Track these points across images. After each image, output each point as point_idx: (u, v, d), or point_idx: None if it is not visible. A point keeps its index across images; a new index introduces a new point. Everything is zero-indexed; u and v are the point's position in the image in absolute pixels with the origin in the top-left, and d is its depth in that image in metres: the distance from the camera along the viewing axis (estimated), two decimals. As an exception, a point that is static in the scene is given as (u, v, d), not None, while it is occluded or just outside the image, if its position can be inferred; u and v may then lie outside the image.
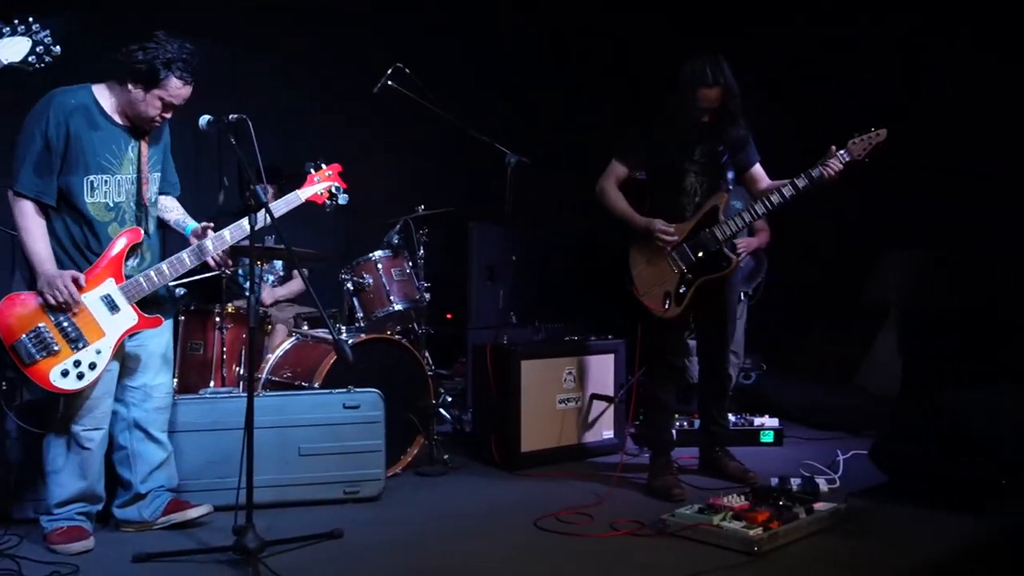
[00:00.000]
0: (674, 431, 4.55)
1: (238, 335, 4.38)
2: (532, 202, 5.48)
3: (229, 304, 4.39)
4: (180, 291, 3.91)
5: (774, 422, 4.84)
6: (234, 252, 4.21)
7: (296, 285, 5.05)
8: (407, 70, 4.32)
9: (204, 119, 3.05)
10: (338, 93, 5.88)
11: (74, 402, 3.05)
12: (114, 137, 3.06)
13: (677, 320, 3.90)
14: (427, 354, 4.74)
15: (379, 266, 4.56)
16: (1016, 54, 4.96)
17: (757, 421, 4.83)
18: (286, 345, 4.36)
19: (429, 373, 4.50)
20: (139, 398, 3.26)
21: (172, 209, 3.38)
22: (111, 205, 3.07)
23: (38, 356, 2.90)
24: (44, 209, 3.02)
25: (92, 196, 3.03)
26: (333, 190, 3.44)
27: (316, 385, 3.91)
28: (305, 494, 3.66)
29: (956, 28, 5.12)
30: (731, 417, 4.72)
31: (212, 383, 4.29)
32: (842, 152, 3.72)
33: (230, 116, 2.97)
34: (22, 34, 2.48)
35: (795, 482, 3.74)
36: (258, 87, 5.57)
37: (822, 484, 3.77)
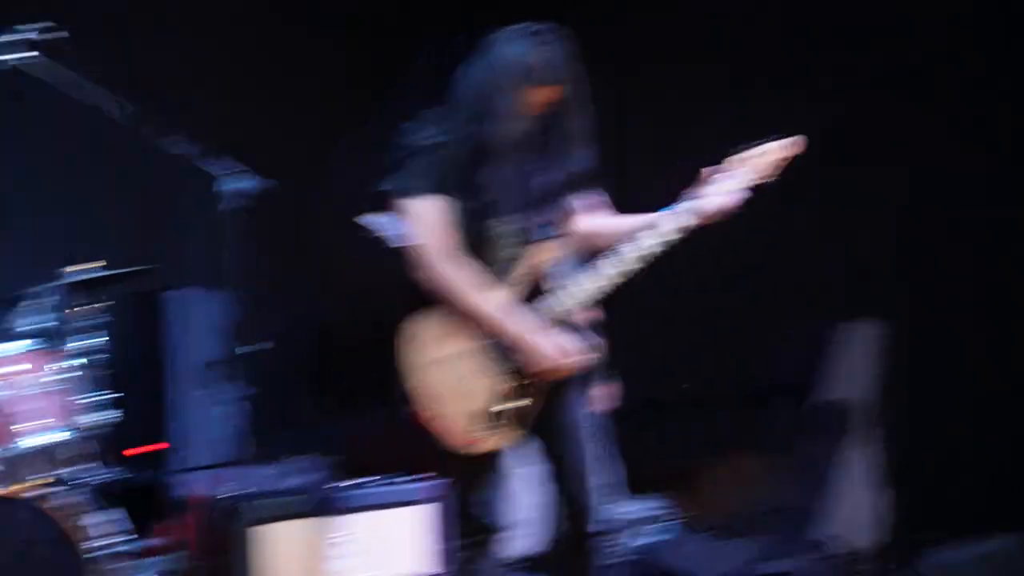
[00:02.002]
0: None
1: None
2: (286, 251, 5.38)
3: None
4: None
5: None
6: None
7: None
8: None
9: None
10: None
11: None
12: None
13: (491, 454, 3.51)
14: (90, 519, 3.99)
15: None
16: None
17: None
18: None
19: (89, 554, 3.85)
20: None
21: None
22: None
23: None
24: None
25: None
26: None
27: None
28: None
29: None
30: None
31: None
32: (722, 176, 3.44)
33: None
34: None
35: None
36: None
37: None
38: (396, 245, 4.05)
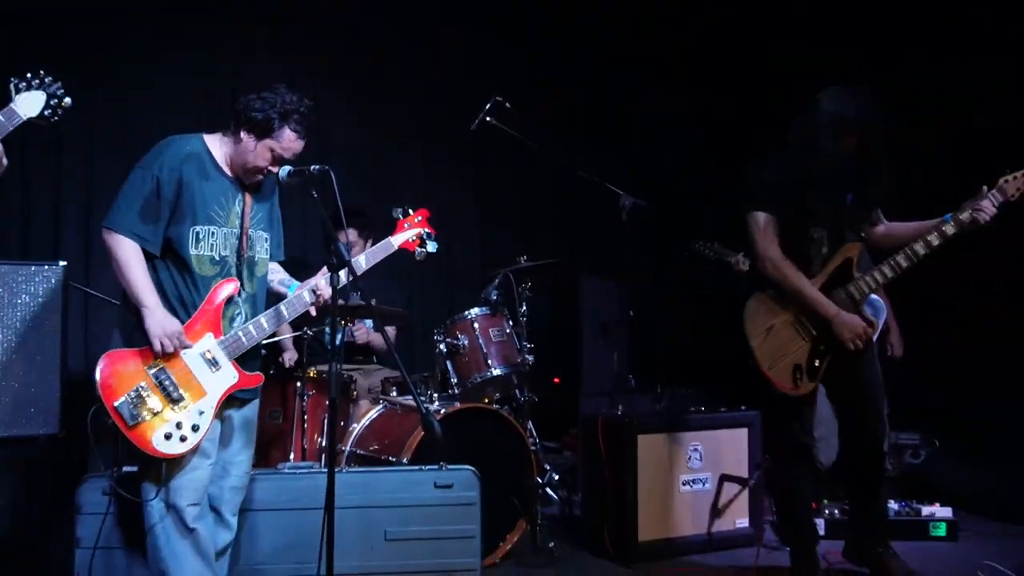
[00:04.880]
0: (821, 521, 4.61)
1: (320, 402, 4.58)
2: (654, 250, 5.91)
3: (311, 368, 4.61)
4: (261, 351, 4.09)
5: (946, 512, 4.83)
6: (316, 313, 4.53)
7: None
8: (507, 104, 4.57)
9: (284, 170, 3.30)
10: (428, 133, 6.25)
11: (175, 471, 3.23)
12: (223, 188, 3.34)
13: (809, 395, 3.97)
14: (531, 425, 4.87)
15: (476, 325, 4.73)
16: None
17: (925, 510, 4.83)
18: (372, 414, 4.56)
19: (533, 447, 4.62)
20: (216, 473, 3.40)
21: (276, 271, 3.62)
22: (216, 259, 3.32)
23: (140, 418, 3.09)
24: (146, 257, 3.26)
25: (197, 248, 3.28)
26: (424, 236, 3.71)
27: (405, 460, 4.09)
28: (392, 584, 3.83)
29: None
30: (892, 504, 4.75)
31: (292, 456, 4.52)
32: (994, 192, 3.78)
33: (312, 167, 3.20)
34: (37, 88, 2.88)
35: (972, 586, 3.71)
36: (336, 129, 5.94)
37: (1005, 590, 3.73)
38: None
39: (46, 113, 2.89)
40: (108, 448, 3.33)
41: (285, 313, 3.41)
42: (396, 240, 3.68)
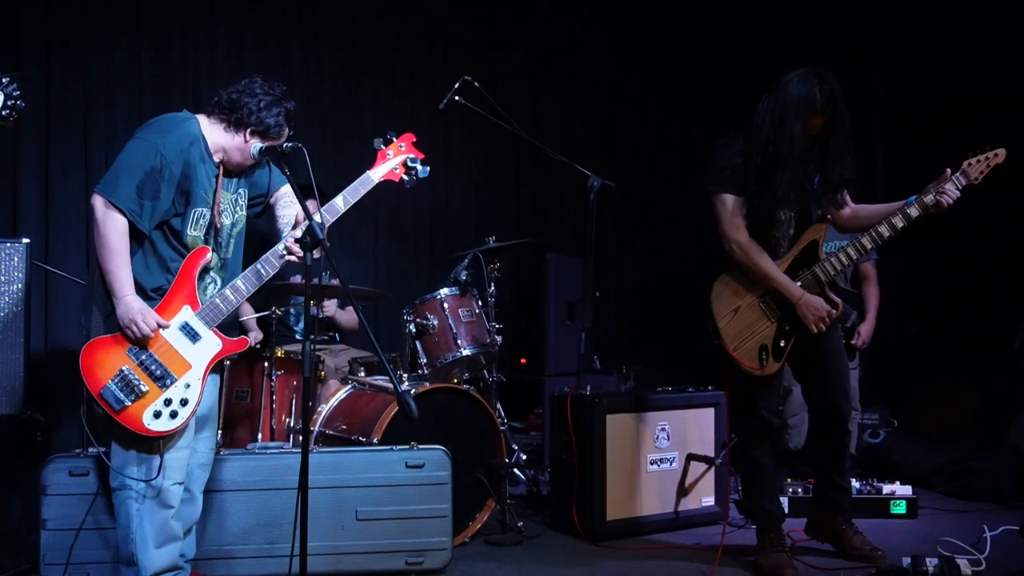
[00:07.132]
0: (785, 499, 4.63)
1: (288, 382, 4.57)
2: (618, 231, 5.95)
3: (279, 348, 4.57)
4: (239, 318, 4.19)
5: (906, 490, 4.87)
6: (284, 292, 4.55)
7: (352, 318, 5.20)
8: (476, 83, 4.52)
9: (256, 147, 3.29)
10: (395, 114, 6.16)
11: (163, 450, 3.22)
12: (209, 172, 3.35)
13: (774, 374, 3.97)
14: (499, 405, 4.89)
15: (445, 306, 4.68)
16: None
17: (886, 488, 4.87)
18: (341, 394, 4.52)
19: (501, 427, 4.61)
20: None
21: (288, 206, 3.58)
22: (202, 238, 3.35)
23: (127, 401, 3.10)
24: (136, 232, 3.20)
25: (194, 229, 3.30)
26: (409, 163, 3.49)
27: (375, 440, 4.06)
28: (362, 564, 3.81)
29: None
30: (854, 483, 4.78)
31: (260, 436, 4.49)
32: (958, 175, 3.80)
33: (285, 144, 3.21)
34: None
35: (931, 563, 3.76)
36: (306, 106, 5.80)
37: (964, 565, 3.79)
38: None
39: (3, 114, 2.81)
40: (99, 434, 3.29)
41: (263, 271, 3.35)
42: (375, 173, 3.47)
